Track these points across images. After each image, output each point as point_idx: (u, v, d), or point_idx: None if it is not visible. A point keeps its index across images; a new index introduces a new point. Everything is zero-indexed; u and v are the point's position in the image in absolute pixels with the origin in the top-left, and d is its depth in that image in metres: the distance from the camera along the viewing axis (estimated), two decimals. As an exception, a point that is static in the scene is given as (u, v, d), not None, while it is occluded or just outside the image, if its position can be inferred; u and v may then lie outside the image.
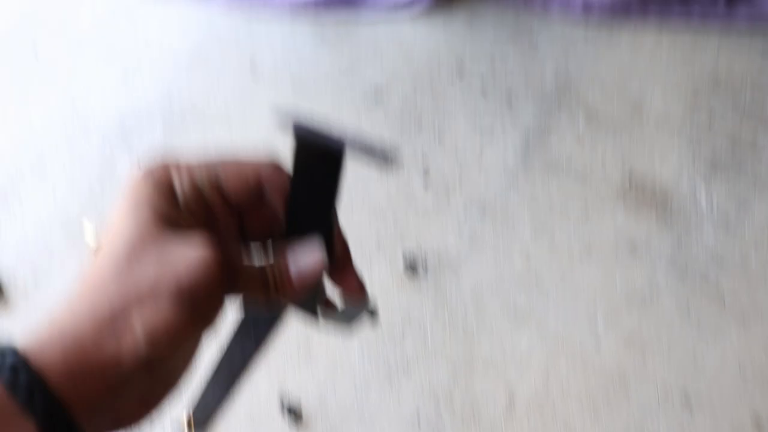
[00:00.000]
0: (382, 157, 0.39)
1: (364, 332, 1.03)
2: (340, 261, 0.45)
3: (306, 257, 0.43)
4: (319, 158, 0.42)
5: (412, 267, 1.10)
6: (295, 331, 0.50)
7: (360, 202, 1.20)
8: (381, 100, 1.37)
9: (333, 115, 1.34)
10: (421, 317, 1.05)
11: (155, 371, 0.36)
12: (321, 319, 0.46)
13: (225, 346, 0.44)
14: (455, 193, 1.21)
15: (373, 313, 0.48)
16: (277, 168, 0.43)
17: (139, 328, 0.35)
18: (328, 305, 0.47)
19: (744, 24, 1.60)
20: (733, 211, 1.21)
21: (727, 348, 1.03)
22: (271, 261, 0.44)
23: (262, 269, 0.42)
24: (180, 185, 0.41)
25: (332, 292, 0.46)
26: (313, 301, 0.46)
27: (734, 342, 1.03)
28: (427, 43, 1.51)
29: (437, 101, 1.37)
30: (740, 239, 1.17)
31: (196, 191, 0.41)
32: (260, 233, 0.47)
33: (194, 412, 0.44)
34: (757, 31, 1.59)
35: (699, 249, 1.15)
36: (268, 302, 0.42)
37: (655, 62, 1.49)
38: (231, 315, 0.40)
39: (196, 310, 0.37)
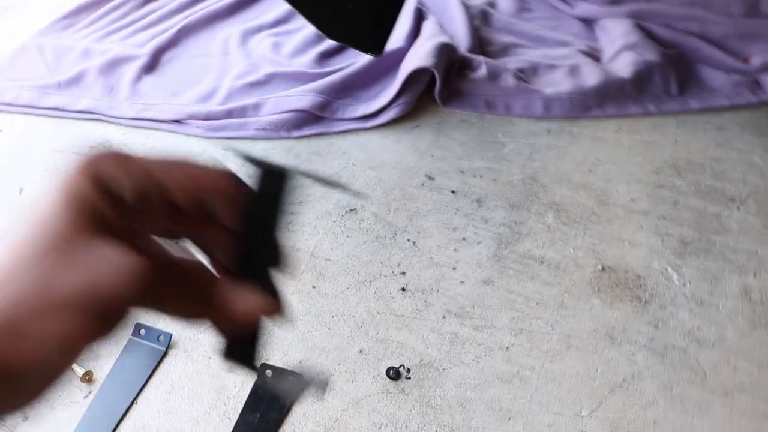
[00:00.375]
0: (332, 184, 0.42)
1: (351, 443, 1.04)
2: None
3: (250, 295, 0.41)
4: (271, 176, 0.43)
5: (395, 372, 1.12)
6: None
7: (339, 311, 1.23)
8: (355, 211, 1.43)
9: (309, 230, 1.39)
10: (408, 421, 1.05)
11: (41, 373, 0.34)
12: (257, 372, 0.44)
13: None
14: (432, 298, 1.24)
15: (323, 386, 0.47)
16: (230, 178, 0.41)
17: (48, 336, 0.33)
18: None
19: (697, 109, 1.68)
20: (705, 287, 1.24)
21: (713, 422, 1.03)
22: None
23: (195, 269, 0.39)
24: (122, 182, 0.37)
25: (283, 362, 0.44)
26: (250, 348, 0.45)
27: (719, 415, 1.04)
28: (397, 153, 1.58)
29: (409, 208, 1.42)
30: (715, 314, 1.19)
31: (140, 190, 0.38)
32: (198, 239, 0.44)
33: None
34: (710, 109, 1.67)
35: (676, 328, 1.17)
36: (194, 309, 0.39)
37: (617, 152, 1.56)
38: None
39: (109, 322, 0.35)
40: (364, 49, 1.63)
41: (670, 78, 1.74)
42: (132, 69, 1.88)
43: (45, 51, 1.99)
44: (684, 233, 1.35)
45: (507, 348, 1.15)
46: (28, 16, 2.23)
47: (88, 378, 1.17)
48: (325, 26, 1.50)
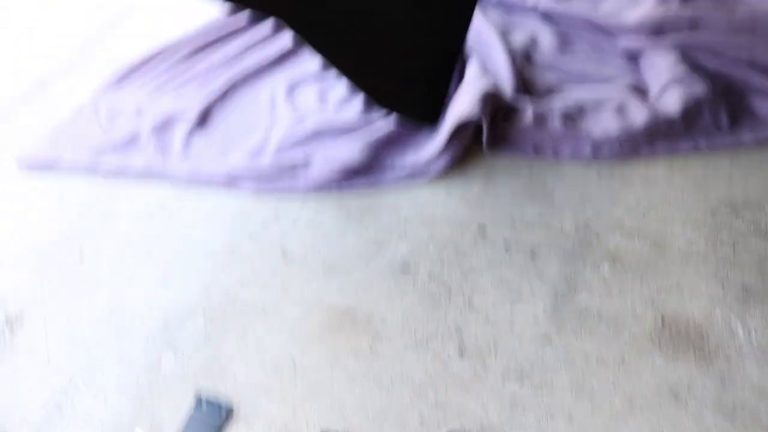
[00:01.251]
0: None
1: None
2: None
3: None
4: None
5: (457, 440, 1.12)
6: None
7: (397, 373, 1.23)
8: (408, 269, 1.43)
9: (363, 290, 1.40)
10: (472, 493, 1.05)
11: None
12: None
13: None
14: (491, 358, 1.24)
15: None
16: None
17: None
18: None
19: (751, 143, 1.64)
20: (772, 338, 1.21)
21: (788, 491, 1.00)
22: None
23: None
24: None
25: None
26: None
27: (795, 483, 1.01)
28: (447, 206, 1.58)
29: (462, 265, 1.42)
30: (784, 368, 1.16)
31: None
32: None
33: None
34: (765, 142, 1.63)
35: (744, 385, 1.14)
36: None
37: (670, 193, 1.53)
38: None
39: None
40: (419, 119, 1.63)
41: (720, 110, 1.71)
42: (183, 127, 1.92)
43: (100, 112, 2.05)
44: (746, 278, 1.32)
45: (569, 409, 1.14)
46: (90, 74, 2.30)
47: (154, 448, 1.19)
48: (376, 94, 1.50)
